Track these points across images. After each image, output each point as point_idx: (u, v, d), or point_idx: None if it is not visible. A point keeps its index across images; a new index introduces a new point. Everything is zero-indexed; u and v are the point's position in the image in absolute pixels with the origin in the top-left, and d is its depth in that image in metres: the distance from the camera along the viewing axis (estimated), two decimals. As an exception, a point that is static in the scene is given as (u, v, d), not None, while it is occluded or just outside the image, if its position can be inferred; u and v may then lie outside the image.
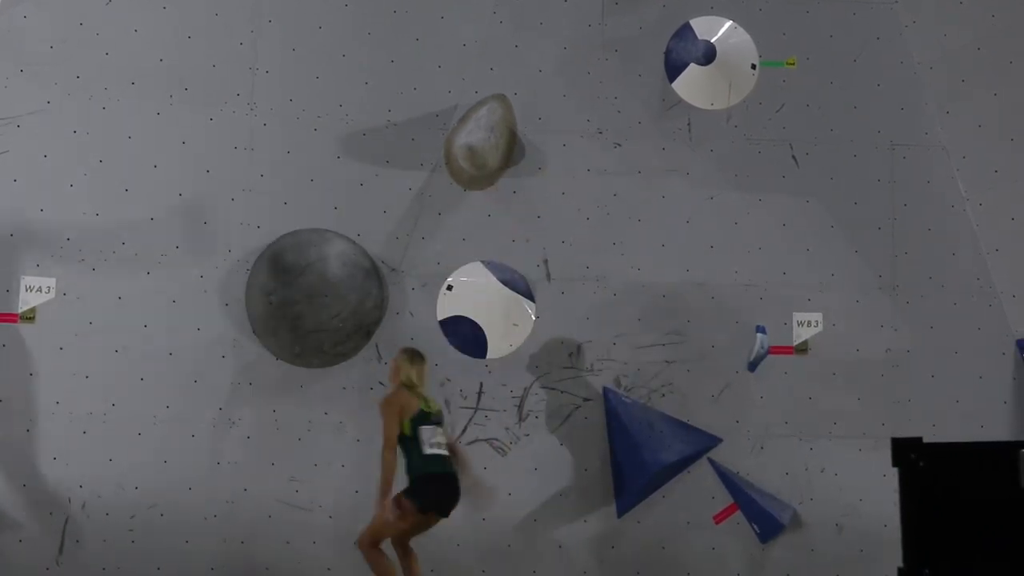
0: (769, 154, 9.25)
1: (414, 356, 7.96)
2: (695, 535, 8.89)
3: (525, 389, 8.86)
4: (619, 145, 9.14)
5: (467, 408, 8.80)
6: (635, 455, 8.75)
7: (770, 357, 9.00)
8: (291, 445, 8.64)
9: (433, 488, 7.65)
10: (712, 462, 8.94)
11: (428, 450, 7.65)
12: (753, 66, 9.20)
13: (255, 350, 8.64)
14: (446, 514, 7.73)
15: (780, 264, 9.17)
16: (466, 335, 8.79)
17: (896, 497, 4.74)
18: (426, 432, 7.68)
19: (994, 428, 8.89)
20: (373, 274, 8.72)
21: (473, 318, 8.77)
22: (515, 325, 8.84)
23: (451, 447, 7.92)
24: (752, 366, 8.99)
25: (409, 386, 7.85)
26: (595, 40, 9.21)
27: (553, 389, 8.86)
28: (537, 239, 8.99)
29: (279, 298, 8.53)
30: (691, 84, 9.13)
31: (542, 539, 8.72)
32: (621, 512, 8.79)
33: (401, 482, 7.60)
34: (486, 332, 8.79)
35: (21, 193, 8.46)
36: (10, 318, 8.37)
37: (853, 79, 9.33)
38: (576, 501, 8.78)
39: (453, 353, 8.78)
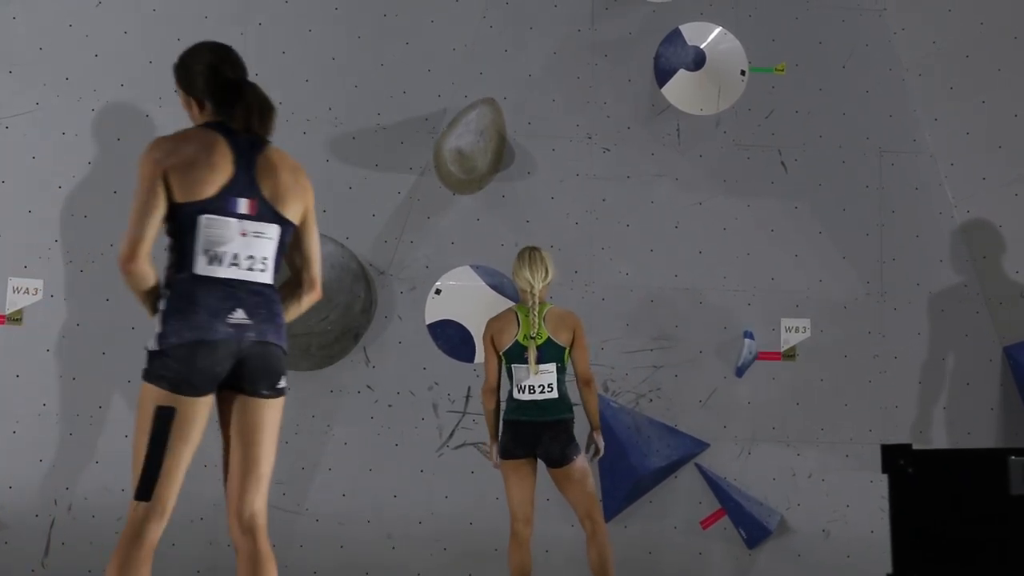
0: (758, 160, 9.27)
1: (522, 252, 7.11)
2: (682, 540, 8.90)
3: (513, 393, 8.86)
4: (608, 150, 9.16)
5: (455, 412, 8.79)
6: (622, 460, 8.74)
7: (758, 362, 9.02)
8: (278, 448, 8.61)
9: (504, 436, 7.02)
10: (699, 467, 8.95)
11: (517, 394, 6.98)
12: (742, 72, 9.22)
13: (243, 353, 8.62)
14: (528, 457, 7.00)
15: (768, 270, 9.19)
16: (454, 339, 8.79)
17: (883, 503, 4.76)
18: (519, 372, 6.98)
19: (981, 435, 8.93)
20: (361, 277, 8.71)
21: (461, 322, 8.77)
22: (503, 329, 8.84)
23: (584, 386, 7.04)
24: (739, 371, 9.01)
25: (522, 298, 7.04)
26: (585, 45, 9.22)
27: (541, 393, 8.85)
28: (526, 243, 8.98)
29: (267, 301, 8.51)
30: (680, 89, 9.15)
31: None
32: (608, 517, 8.79)
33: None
34: (474, 336, 8.79)
35: (9, 194, 8.44)
36: (-3, 319, 8.36)
37: (842, 85, 9.36)
38: (562, 506, 8.77)
39: (441, 357, 8.78)
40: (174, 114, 8.68)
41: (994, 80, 9.29)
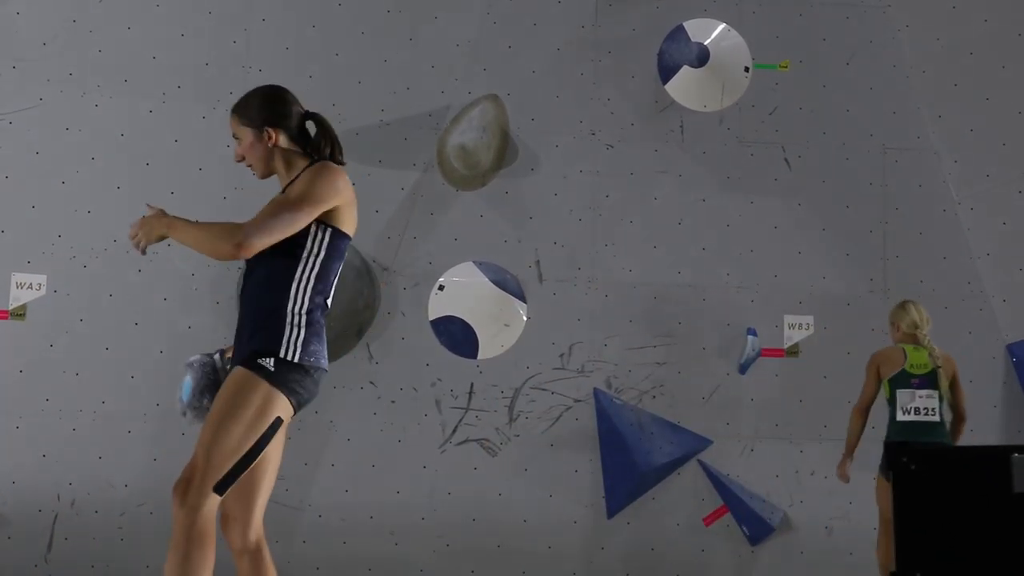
0: (761, 157, 9.27)
1: (907, 304, 7.91)
2: (685, 537, 8.90)
3: (516, 390, 8.86)
4: (611, 146, 9.15)
5: (458, 408, 8.80)
6: (625, 456, 8.75)
7: (761, 359, 9.01)
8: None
9: (890, 455, 7.48)
10: (702, 464, 8.95)
11: (901, 416, 7.61)
12: (746, 69, 9.19)
13: (246, 349, 8.62)
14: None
15: (771, 267, 9.18)
16: (457, 335, 8.78)
17: (887, 500, 4.76)
18: (903, 396, 7.64)
19: (984, 432, 8.91)
20: (364, 274, 8.71)
21: (464, 318, 8.77)
22: (506, 325, 8.85)
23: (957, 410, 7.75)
24: (743, 368, 9.01)
25: (902, 339, 7.81)
26: (588, 41, 9.22)
27: (544, 390, 8.87)
28: (529, 240, 8.99)
29: (270, 297, 8.51)
30: (684, 86, 9.13)
31: (532, 540, 8.71)
32: (611, 513, 8.80)
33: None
34: (477, 332, 8.78)
35: (13, 189, 8.45)
36: (0, 315, 8.35)
37: (846, 82, 9.35)
38: (566, 502, 8.78)
39: (444, 353, 8.78)
40: (177, 110, 8.72)
41: (998, 77, 9.28)
